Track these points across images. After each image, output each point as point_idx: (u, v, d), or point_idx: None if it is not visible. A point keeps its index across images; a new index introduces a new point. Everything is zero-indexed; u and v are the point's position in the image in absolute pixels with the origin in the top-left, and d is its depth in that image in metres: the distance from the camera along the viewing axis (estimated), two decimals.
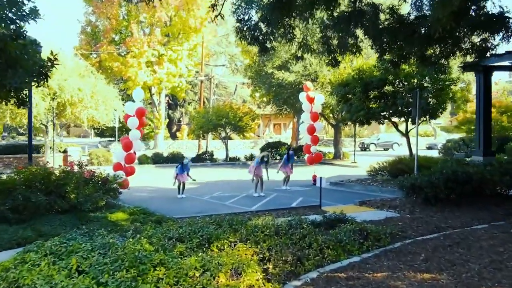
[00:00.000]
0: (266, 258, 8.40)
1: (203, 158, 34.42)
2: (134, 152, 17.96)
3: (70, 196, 11.11)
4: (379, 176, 21.16)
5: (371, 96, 21.04)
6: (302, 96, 21.92)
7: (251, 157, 35.05)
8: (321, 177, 15.25)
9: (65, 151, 28.96)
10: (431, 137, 64.01)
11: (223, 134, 36.35)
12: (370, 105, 20.67)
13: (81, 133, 72.25)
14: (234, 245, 8.86)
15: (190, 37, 45.44)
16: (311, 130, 21.64)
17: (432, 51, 13.64)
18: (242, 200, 16.91)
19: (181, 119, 61.95)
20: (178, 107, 61.40)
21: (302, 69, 29.99)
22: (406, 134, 21.37)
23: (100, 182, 13.05)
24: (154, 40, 44.02)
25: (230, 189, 20.00)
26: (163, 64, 44.71)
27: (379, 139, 55.92)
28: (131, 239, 7.87)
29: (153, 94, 47.28)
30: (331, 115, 35.71)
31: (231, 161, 35.08)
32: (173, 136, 57.41)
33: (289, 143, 39.12)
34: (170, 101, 58.66)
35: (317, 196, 17.17)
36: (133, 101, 18.41)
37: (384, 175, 21.05)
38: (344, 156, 36.60)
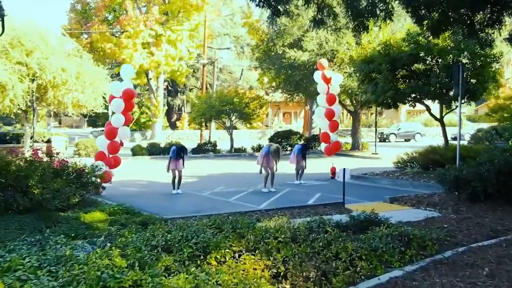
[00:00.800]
0: (281, 274, 6.82)
1: (205, 149, 32.82)
2: (120, 141, 16.26)
3: (34, 191, 9.44)
4: (409, 168, 19.43)
5: (399, 75, 19.26)
6: (317, 76, 20.18)
7: (259, 148, 33.37)
8: (344, 169, 13.53)
9: (48, 141, 27.38)
10: (455, 127, 62.18)
11: (227, 123, 34.90)
12: (398, 85, 18.88)
13: (74, 123, 70.95)
14: (239, 256, 7.22)
15: (191, 16, 43.91)
16: (329, 115, 19.89)
17: (480, 16, 11.88)
18: (249, 197, 15.28)
19: (182, 107, 60.37)
20: (178, 94, 59.86)
21: (317, 48, 28.20)
22: (440, 120, 19.58)
23: (74, 175, 11.36)
24: (151, 19, 42.51)
25: (235, 183, 18.41)
26: (161, 45, 43.22)
27: (399, 129, 54.21)
28: (98, 250, 6.17)
29: (151, 79, 45.77)
30: (348, 101, 33.96)
31: (237, 153, 33.58)
32: (173, 126, 55.95)
33: (300, 133, 37.33)
34: (170, 87, 57.10)
35: (337, 192, 15.67)
36: (122, 80, 16.68)
37: (414, 167, 19.34)
38: (363, 147, 34.86)
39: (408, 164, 19.80)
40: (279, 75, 33.37)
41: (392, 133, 53.12)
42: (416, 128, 54.73)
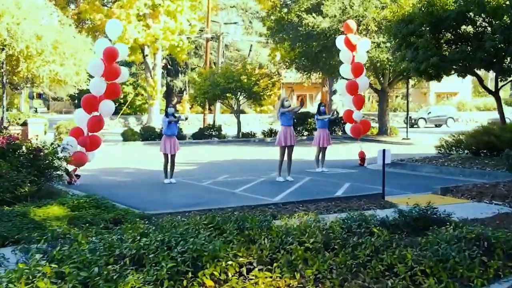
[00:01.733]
0: None
1: (208, 134, 30.91)
2: (100, 116, 14.23)
3: None
4: (455, 153, 17.31)
5: (444, 39, 17.09)
6: (340, 41, 18.07)
7: (271, 133, 31.35)
8: (384, 150, 11.42)
9: (24, 124, 25.45)
10: (491, 112, 59.86)
11: (234, 105, 33.17)
12: (443, 51, 16.72)
13: (63, 108, 69.15)
14: (248, 271, 5.22)
15: None
16: (354, 88, 17.76)
17: None
18: (260, 187, 13.27)
19: (183, 90, 58.38)
20: (179, 74, 57.77)
21: (340, 13, 26.01)
22: (495, 93, 17.38)
23: (29, 156, 9.31)
24: None
25: (242, 171, 16.48)
26: (158, 17, 41.16)
27: (429, 113, 52.01)
28: (18, 267, 4.11)
29: (147, 55, 43.78)
30: (373, 78, 31.83)
31: (244, 138, 31.75)
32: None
33: None
34: (169, 66, 55.06)
35: (370, 181, 14.09)
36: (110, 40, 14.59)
37: (461, 152, 17.22)
38: (392, 131, 32.70)
39: (453, 148, 17.70)
40: (294, 48, 31.24)
41: (422, 118, 50.92)
42: (448, 112, 52.49)
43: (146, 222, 8.10)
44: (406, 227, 7.59)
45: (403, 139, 30.18)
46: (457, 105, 60.81)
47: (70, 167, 13.13)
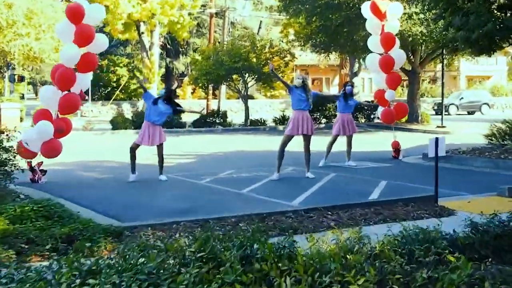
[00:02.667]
0: None
1: (211, 122, 29.15)
2: (81, 92, 12.32)
3: None
4: (511, 143, 15.33)
5: (497, 3, 15.03)
6: (366, 9, 16.14)
7: (283, 120, 29.44)
8: (437, 139, 9.47)
9: None
10: None
11: (241, 88, 31.37)
12: (497, 17, 14.68)
13: None
14: None
15: None
16: (387, 64, 15.75)
17: None
18: (273, 186, 11.41)
19: (184, 72, 56.51)
20: (180, 55, 55.91)
21: None
22: None
23: None
24: None
25: (251, 166, 14.62)
26: None
27: (462, 98, 50.04)
28: None
29: (143, 33, 41.84)
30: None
31: (253, 126, 29.95)
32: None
33: None
34: (169, 46, 53.20)
35: (410, 179, 12.36)
36: None
37: None
38: (424, 118, 30.71)
39: (507, 137, 15.73)
40: (311, 22, 29.26)
41: (453, 104, 48.94)
42: (482, 98, 50.50)
43: (113, 240, 6.23)
44: (484, 248, 5.71)
45: (438, 127, 28.23)
46: (491, 89, 58.74)
47: (33, 161, 11.29)
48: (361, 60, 35.37)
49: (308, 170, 12.38)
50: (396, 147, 16.11)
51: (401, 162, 15.53)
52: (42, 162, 11.84)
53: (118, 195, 10.38)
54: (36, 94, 75.18)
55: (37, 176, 11.54)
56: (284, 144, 12.24)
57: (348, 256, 4.73)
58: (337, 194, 10.22)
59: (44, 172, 11.78)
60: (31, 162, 11.64)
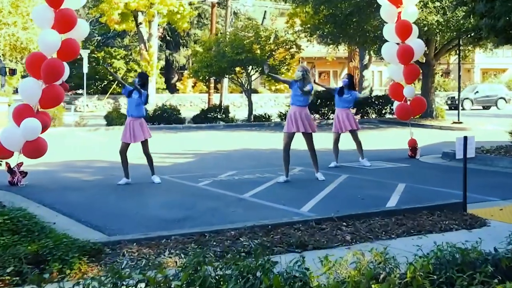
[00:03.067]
0: None
1: (212, 117, 28.43)
2: (63, 84, 11.51)
3: None
4: None
5: None
6: None
7: None
8: (466, 138, 8.64)
9: None
10: None
11: (244, 82, 30.58)
12: None
13: None
14: None
15: None
16: (406, 54, 14.85)
17: None
18: (279, 190, 10.59)
19: (185, 65, 55.78)
20: (180, 47, 55.15)
21: None
22: None
23: None
24: None
25: (254, 166, 13.84)
26: None
27: (477, 92, 49.09)
28: None
29: (140, 23, 41.46)
30: None
31: (257, 121, 29.21)
32: (172, 89, 51.51)
33: None
34: (168, 37, 52.51)
35: (430, 181, 11.51)
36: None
37: None
38: (438, 113, 29.85)
39: None
40: (318, 11, 28.41)
41: (467, 98, 47.91)
42: (498, 92, 49.47)
43: (91, 260, 5.42)
44: None
45: (454, 122, 27.40)
46: (507, 83, 57.72)
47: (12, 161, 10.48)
48: (371, 52, 34.52)
49: (318, 171, 11.55)
50: (413, 145, 15.25)
51: (419, 161, 14.67)
52: (22, 163, 11.02)
53: (105, 201, 9.57)
54: None
55: (16, 178, 10.73)
56: (287, 144, 11.38)
57: (373, 287, 3.96)
58: (351, 200, 9.41)
59: (24, 174, 10.97)
60: (9, 163, 10.83)
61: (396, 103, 15.77)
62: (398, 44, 14.90)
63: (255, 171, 12.78)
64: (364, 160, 13.75)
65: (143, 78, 11.50)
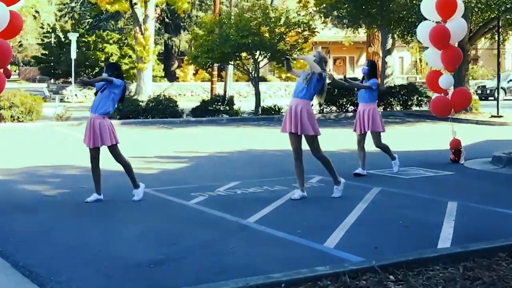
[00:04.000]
0: None
1: (214, 109, 26.70)
2: (7, 70, 9.68)
3: None
4: None
5: None
6: None
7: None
8: None
9: None
10: None
11: (251, 69, 29.14)
12: None
13: (37, 74, 65.61)
14: None
15: None
16: (438, 36, 12.97)
17: None
18: (293, 211, 8.76)
19: (186, 51, 54.30)
20: (181, 31, 53.63)
21: None
22: None
23: None
24: None
25: (262, 173, 12.07)
26: None
27: (510, 80, 47.19)
28: None
29: (135, 4, 40.04)
30: None
31: (266, 114, 27.41)
32: (172, 76, 49.90)
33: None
34: (167, 19, 50.89)
35: (489, 197, 9.72)
36: None
37: None
38: (473, 105, 27.89)
39: None
40: None
41: (501, 88, 46.02)
42: None
43: None
44: None
45: (493, 116, 25.48)
46: None
47: None
48: (395, 35, 32.71)
49: (336, 183, 9.59)
50: (457, 147, 13.33)
51: (464, 168, 12.73)
52: None
53: (63, 229, 7.67)
54: (19, 75, 73.04)
55: None
56: (296, 150, 9.42)
57: None
58: (391, 228, 7.54)
59: None
60: None
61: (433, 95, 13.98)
62: (438, 23, 13.01)
63: (263, 182, 10.87)
64: (396, 164, 11.90)
65: (113, 68, 9.56)
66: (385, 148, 12.01)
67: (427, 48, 13.93)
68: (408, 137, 18.35)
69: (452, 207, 8.66)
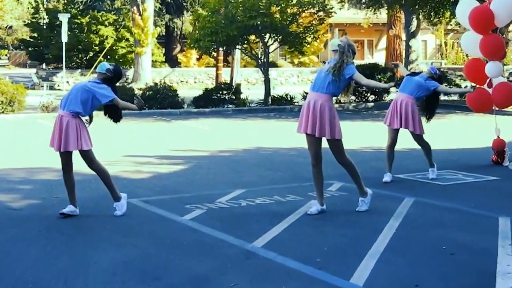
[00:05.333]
0: None
1: (218, 99, 25.90)
2: None
3: None
4: None
5: None
6: None
7: None
8: None
9: None
10: None
11: (260, 54, 28.69)
12: None
13: (25, 59, 64.97)
14: None
15: None
16: (479, 18, 11.95)
17: None
18: (310, 233, 7.66)
19: (187, 35, 53.94)
20: (183, 11, 53.00)
21: None
22: None
23: None
24: None
25: (272, 179, 11.12)
26: None
27: None
28: None
29: None
30: None
31: (276, 105, 26.77)
32: (173, 61, 49.30)
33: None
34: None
35: None
36: None
37: None
38: None
39: None
40: None
41: None
42: None
43: None
44: None
45: None
46: None
47: None
48: (420, 16, 31.84)
49: (362, 194, 8.50)
50: (500, 148, 12.29)
51: (510, 172, 11.71)
52: None
53: (18, 255, 6.58)
54: (9, 60, 72.47)
55: None
56: (314, 155, 8.36)
57: None
58: (431, 257, 6.49)
59: None
60: None
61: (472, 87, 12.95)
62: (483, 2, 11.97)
63: (273, 189, 9.83)
64: (434, 170, 10.90)
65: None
66: (428, 149, 11.03)
67: (454, 31, 12.96)
68: (439, 132, 17.30)
69: (505, 225, 7.60)
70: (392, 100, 11.86)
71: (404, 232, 7.41)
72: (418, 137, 10.90)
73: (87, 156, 8.14)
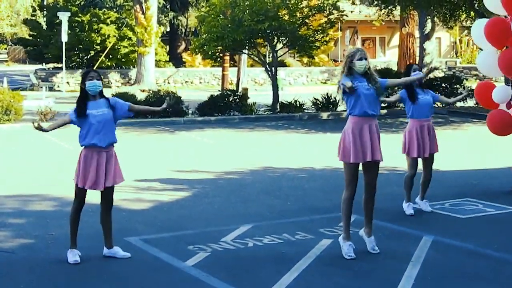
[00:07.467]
0: None
1: (224, 105, 25.61)
2: None
3: None
4: None
5: None
6: None
7: (328, 103, 26.52)
8: None
9: None
10: None
11: (268, 57, 29.50)
12: None
13: (23, 55, 65.41)
14: None
15: None
16: (496, 32, 11.23)
17: None
18: (321, 281, 7.41)
19: (196, 31, 54.17)
20: (188, 7, 53.26)
21: None
22: None
23: None
24: None
25: (280, 210, 10.83)
26: None
27: None
28: None
29: None
30: None
31: (285, 112, 26.58)
32: (178, 61, 49.45)
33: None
34: None
35: None
36: None
37: None
38: None
39: None
40: None
41: None
42: None
43: None
44: None
45: None
46: None
47: None
48: (435, 18, 31.84)
49: (369, 234, 8.26)
50: None
51: None
52: None
53: None
54: (8, 55, 72.66)
55: None
56: (370, 182, 8.20)
57: None
58: None
59: None
60: None
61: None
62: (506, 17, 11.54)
63: (281, 225, 9.58)
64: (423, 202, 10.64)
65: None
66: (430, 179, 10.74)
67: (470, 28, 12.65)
68: (456, 147, 17.04)
69: None
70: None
71: (423, 285, 7.12)
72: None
73: (112, 192, 8.04)
